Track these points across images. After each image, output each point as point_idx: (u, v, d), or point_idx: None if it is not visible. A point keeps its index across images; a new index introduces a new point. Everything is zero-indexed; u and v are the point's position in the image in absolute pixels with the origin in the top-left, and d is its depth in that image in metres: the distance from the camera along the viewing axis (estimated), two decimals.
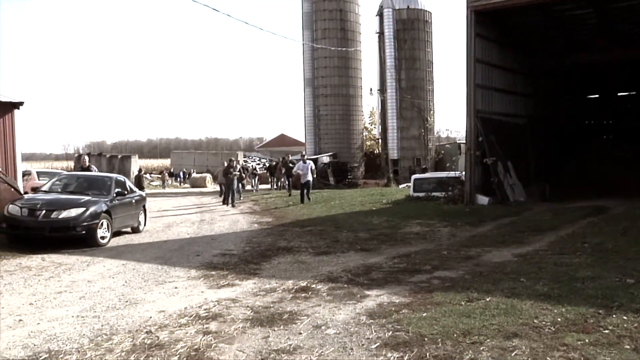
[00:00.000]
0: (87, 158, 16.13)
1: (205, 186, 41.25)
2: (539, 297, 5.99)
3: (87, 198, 11.47)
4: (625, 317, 5.13)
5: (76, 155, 56.52)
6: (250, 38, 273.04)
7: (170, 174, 49.67)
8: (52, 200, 11.32)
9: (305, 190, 20.39)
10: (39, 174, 22.35)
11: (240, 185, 23.28)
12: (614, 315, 5.20)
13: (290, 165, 25.69)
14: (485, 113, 19.06)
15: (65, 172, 14.23)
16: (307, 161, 21.35)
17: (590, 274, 7.13)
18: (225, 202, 21.44)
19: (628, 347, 4.39)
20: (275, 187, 31.85)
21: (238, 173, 21.94)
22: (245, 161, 47.71)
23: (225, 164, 22.21)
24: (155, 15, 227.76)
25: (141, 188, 22.06)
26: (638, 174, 20.96)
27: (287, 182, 25.80)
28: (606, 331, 4.77)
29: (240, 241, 11.46)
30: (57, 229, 10.55)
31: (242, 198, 23.21)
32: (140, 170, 34.32)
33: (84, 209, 10.85)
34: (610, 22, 20.06)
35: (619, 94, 29.89)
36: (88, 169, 14.91)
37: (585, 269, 7.45)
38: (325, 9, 38.65)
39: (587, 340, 4.53)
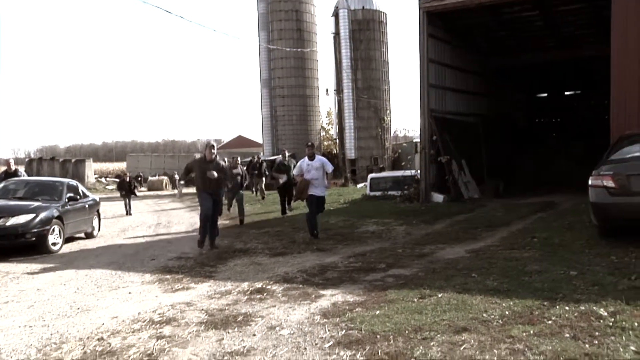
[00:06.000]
0: (12, 162, 13.98)
1: (162, 189, 40.72)
2: (488, 292, 6.17)
3: (37, 204, 11.19)
4: (567, 308, 5.34)
5: (27, 159, 53.93)
6: (206, 40, 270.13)
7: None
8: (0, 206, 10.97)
9: (315, 214, 11.63)
10: None
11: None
12: (557, 307, 5.40)
13: (281, 166, 16.73)
14: (439, 112, 19.40)
15: (15, 178, 13.50)
16: (318, 156, 11.96)
17: (538, 267, 7.38)
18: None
19: (568, 335, 4.58)
20: (253, 189, 24.88)
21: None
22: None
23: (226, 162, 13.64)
24: (106, 16, 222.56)
25: (133, 193, 21.18)
26: (585, 169, 21.65)
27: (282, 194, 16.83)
28: (549, 322, 4.95)
29: (196, 244, 11.34)
30: (5, 237, 10.23)
31: (230, 211, 16.43)
32: (131, 176, 26.71)
33: (34, 215, 10.58)
34: (555, 24, 20.75)
35: (565, 92, 30.96)
36: (15, 174, 13.50)
37: (533, 263, 7.70)
38: (281, 10, 38.67)
39: (531, 332, 4.70)
